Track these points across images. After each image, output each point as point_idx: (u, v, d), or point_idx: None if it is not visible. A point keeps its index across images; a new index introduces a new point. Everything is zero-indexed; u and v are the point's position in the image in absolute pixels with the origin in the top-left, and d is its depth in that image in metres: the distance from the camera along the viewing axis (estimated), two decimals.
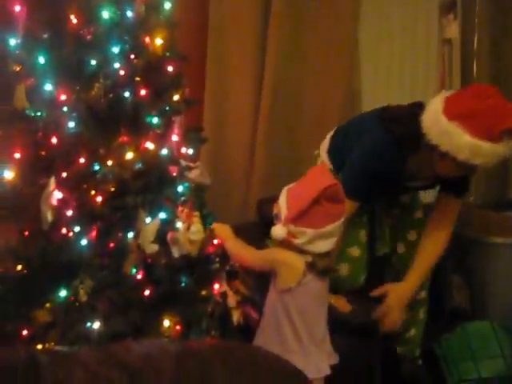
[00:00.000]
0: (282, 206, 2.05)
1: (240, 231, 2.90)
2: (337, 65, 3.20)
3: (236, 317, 2.10)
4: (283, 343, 1.97)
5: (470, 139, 2.07)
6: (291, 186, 2.10)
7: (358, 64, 3.29)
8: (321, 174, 2.07)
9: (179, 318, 1.93)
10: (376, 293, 2.45)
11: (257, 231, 2.98)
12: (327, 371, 2.03)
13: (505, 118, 2.07)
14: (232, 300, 2.12)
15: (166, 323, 1.91)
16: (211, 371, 1.29)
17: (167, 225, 2.03)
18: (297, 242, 1.99)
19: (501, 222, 3.12)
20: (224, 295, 2.12)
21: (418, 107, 2.29)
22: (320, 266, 2.02)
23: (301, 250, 2.01)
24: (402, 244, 2.58)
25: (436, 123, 2.14)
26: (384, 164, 2.29)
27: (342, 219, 2.01)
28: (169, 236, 2.02)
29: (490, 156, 2.09)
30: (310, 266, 2.01)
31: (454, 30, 3.51)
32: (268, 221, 2.96)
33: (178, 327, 1.91)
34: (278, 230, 2.03)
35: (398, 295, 2.41)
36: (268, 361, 1.43)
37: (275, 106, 3.10)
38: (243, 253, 2.16)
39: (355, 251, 2.52)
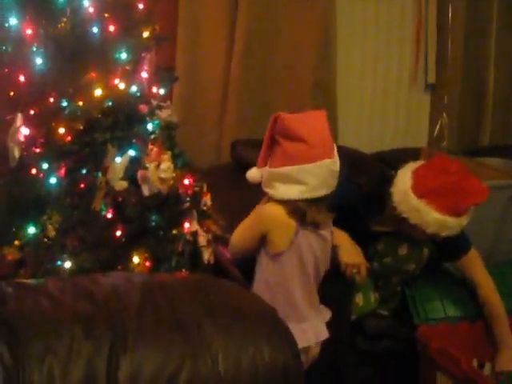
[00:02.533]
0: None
1: (214, 173, 2.91)
2: (312, 5, 3.15)
3: (207, 255, 2.12)
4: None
5: (438, 216, 2.22)
6: None
7: (335, 11, 3.25)
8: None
9: (149, 255, 1.93)
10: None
11: (230, 173, 2.98)
12: (326, 334, 2.02)
13: (468, 194, 2.25)
14: (202, 239, 2.13)
15: (136, 260, 1.92)
16: (178, 301, 1.30)
17: (137, 163, 2.02)
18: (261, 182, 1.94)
19: (473, 167, 3.13)
20: (195, 234, 2.12)
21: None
22: (310, 218, 1.91)
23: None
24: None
25: (405, 199, 2.26)
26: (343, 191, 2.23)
27: (310, 165, 1.88)
28: (139, 174, 2.01)
29: (456, 228, 2.27)
30: (301, 221, 1.91)
31: None
32: (242, 162, 2.97)
33: (147, 264, 1.93)
34: (253, 173, 1.98)
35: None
36: (237, 293, 1.44)
37: (249, 46, 3.05)
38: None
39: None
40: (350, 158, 2.96)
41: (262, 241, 1.96)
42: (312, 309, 2.03)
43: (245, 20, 3.03)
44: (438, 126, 3.52)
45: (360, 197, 2.45)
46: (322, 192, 1.92)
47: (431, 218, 2.22)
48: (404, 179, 2.30)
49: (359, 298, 2.42)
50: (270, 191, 1.93)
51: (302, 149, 1.88)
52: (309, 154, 1.89)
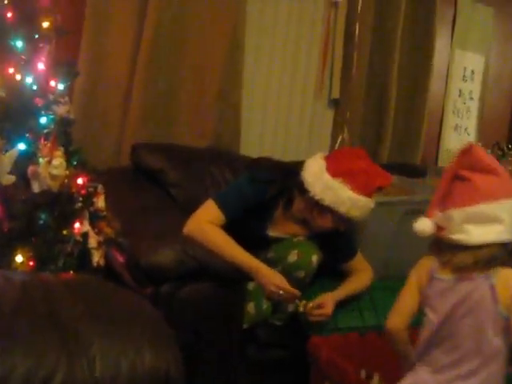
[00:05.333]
0: None
1: (112, 174, 2.83)
2: (222, 9, 3.14)
3: (97, 258, 2.04)
4: None
5: (351, 194, 2.31)
6: None
7: (243, 24, 3.24)
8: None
9: (33, 254, 1.84)
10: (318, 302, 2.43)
11: (130, 176, 2.92)
12: None
13: (377, 177, 2.39)
14: (93, 240, 2.05)
15: (19, 259, 1.82)
16: (58, 303, 1.22)
17: (28, 158, 1.93)
18: (444, 233, 1.70)
19: None
20: (85, 235, 2.04)
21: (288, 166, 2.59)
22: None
23: (450, 247, 1.71)
24: None
25: (320, 178, 2.32)
26: (253, 191, 2.40)
27: (506, 200, 1.67)
28: (29, 170, 1.92)
29: (364, 209, 2.38)
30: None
31: None
32: (141, 166, 2.91)
33: (31, 263, 1.83)
34: (424, 224, 1.74)
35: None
36: (122, 296, 1.38)
37: (156, 47, 2.99)
38: None
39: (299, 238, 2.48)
40: (254, 162, 2.99)
41: None
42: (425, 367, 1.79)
43: (153, 20, 2.97)
44: (338, 141, 3.57)
45: (268, 196, 2.45)
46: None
47: (345, 195, 2.30)
48: (316, 162, 2.38)
49: (251, 307, 2.41)
50: (459, 236, 1.68)
51: (496, 182, 1.69)
52: (503, 188, 1.70)
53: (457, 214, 1.67)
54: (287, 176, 2.48)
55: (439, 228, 1.72)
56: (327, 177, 2.31)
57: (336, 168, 2.33)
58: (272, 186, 2.45)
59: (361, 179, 2.32)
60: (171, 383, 1.16)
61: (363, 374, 2.49)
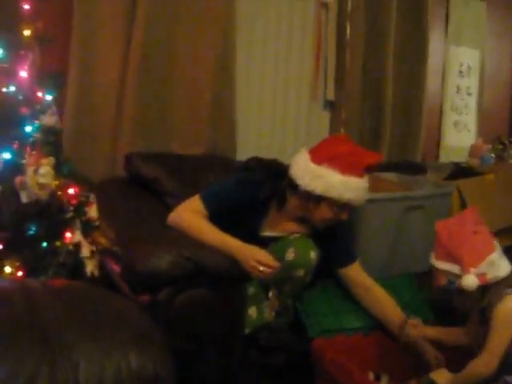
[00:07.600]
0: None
1: (108, 185, 2.80)
2: (212, 17, 3.11)
3: (90, 267, 2.00)
4: None
5: (340, 177, 2.29)
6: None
7: (234, 28, 3.22)
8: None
9: (22, 264, 1.80)
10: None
11: (125, 186, 2.88)
12: None
13: (363, 156, 2.35)
14: (86, 250, 2.01)
15: (8, 270, 1.78)
16: (40, 307, 1.18)
17: (15, 169, 1.90)
18: (489, 277, 1.98)
19: (369, 179, 3.15)
20: (78, 245, 2.01)
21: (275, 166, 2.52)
22: None
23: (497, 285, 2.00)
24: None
25: (307, 171, 2.33)
26: (239, 191, 2.39)
27: None
28: (16, 180, 1.89)
29: (358, 190, 2.33)
30: None
31: None
32: (136, 176, 2.88)
33: (20, 273, 1.79)
34: (469, 281, 1.98)
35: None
36: (109, 300, 1.34)
37: (146, 54, 2.95)
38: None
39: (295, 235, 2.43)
40: (245, 163, 2.95)
41: None
42: None
43: (143, 28, 2.93)
44: None
45: (259, 198, 2.41)
46: None
47: (334, 179, 2.29)
48: (301, 157, 2.38)
49: (253, 311, 2.36)
50: (500, 274, 2.00)
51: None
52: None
53: (494, 256, 1.99)
54: (276, 176, 2.45)
55: (481, 277, 1.99)
56: (313, 166, 2.32)
57: (319, 156, 2.33)
58: (261, 187, 2.42)
59: (346, 160, 2.29)
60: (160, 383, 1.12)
61: (371, 375, 2.42)
